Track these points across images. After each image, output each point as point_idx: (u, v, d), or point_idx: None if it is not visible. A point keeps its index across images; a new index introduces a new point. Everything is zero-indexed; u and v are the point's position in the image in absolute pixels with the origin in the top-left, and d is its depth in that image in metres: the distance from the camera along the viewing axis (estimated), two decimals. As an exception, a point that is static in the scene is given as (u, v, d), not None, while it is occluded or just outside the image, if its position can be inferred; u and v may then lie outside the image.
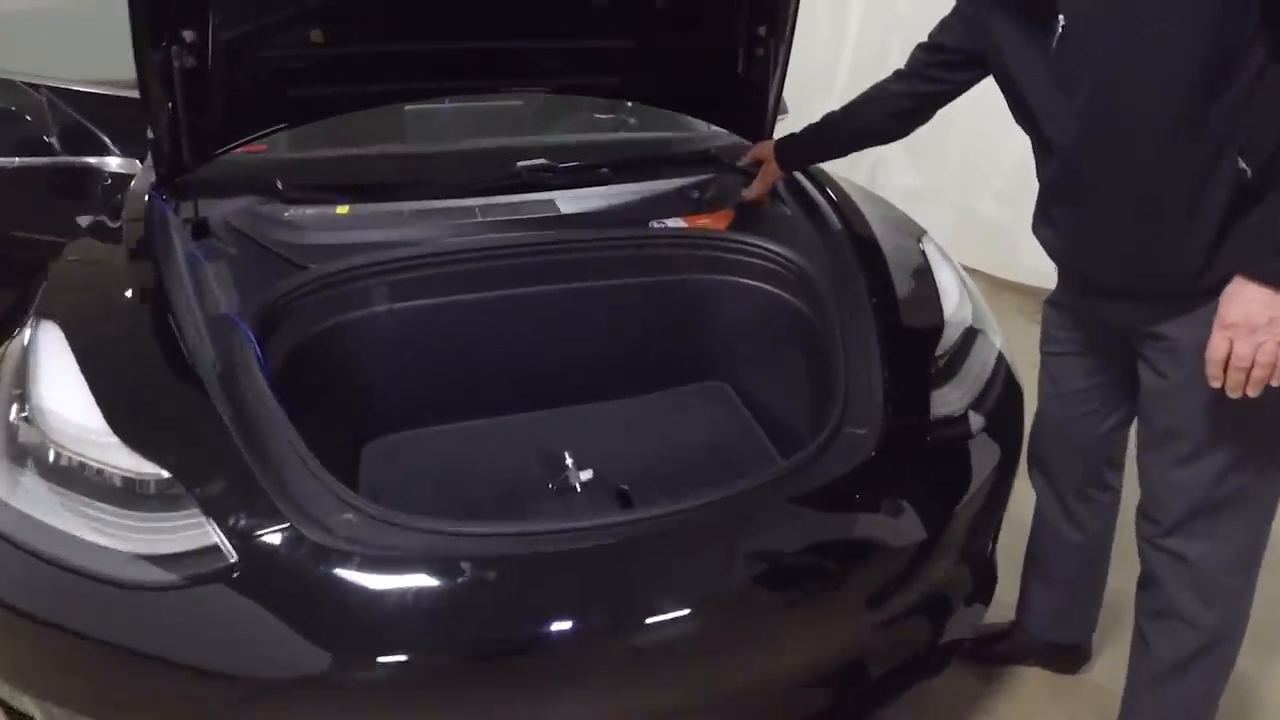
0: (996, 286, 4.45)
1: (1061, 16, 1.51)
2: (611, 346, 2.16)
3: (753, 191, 2.27)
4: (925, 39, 1.91)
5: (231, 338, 1.64)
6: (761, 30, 2.27)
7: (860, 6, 4.93)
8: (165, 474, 1.36)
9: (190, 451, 1.41)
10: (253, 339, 1.64)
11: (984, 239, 4.52)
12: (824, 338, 1.90)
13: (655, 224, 2.19)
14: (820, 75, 5.00)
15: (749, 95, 2.39)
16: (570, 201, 2.23)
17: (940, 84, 1.89)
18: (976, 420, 1.77)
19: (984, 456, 1.75)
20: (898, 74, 1.96)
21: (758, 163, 2.30)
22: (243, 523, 1.33)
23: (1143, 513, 1.78)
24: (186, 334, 1.61)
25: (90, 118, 2.74)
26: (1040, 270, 4.30)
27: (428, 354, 2.01)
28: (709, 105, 2.51)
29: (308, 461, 1.42)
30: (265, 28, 2.06)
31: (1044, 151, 1.68)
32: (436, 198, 2.18)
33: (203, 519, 1.33)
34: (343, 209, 2.10)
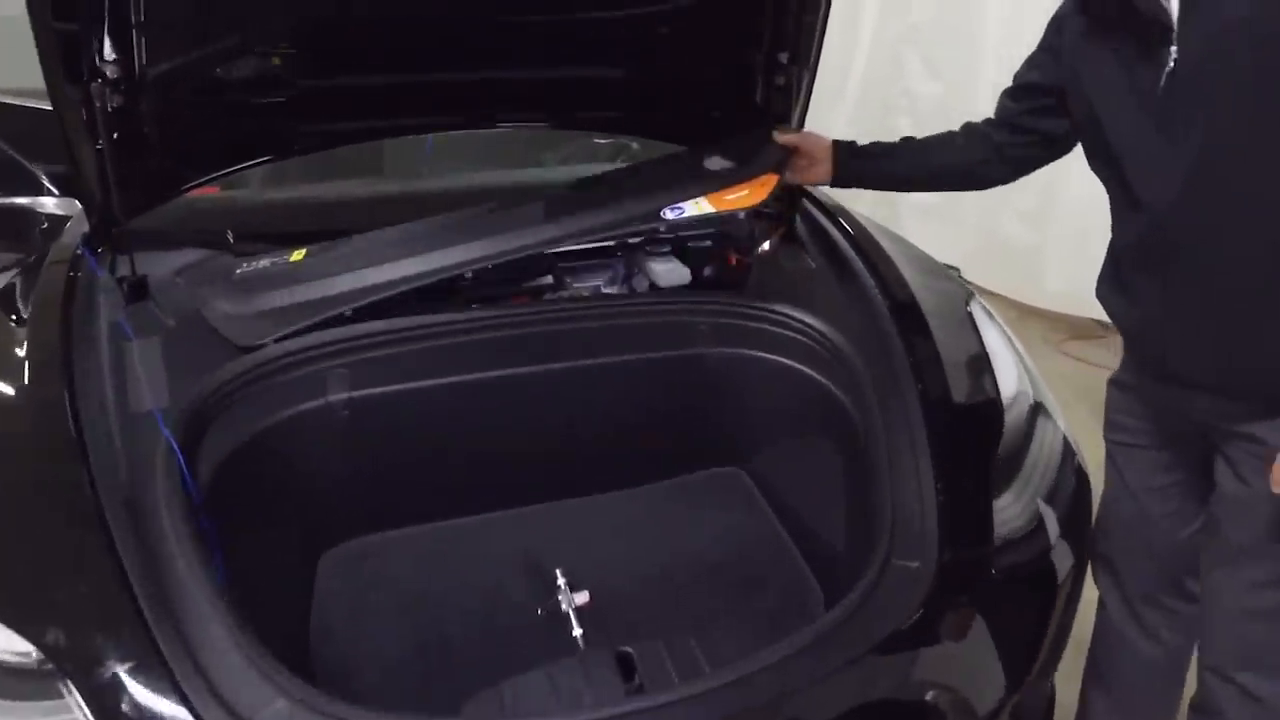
0: (1021, 313, 4.20)
1: (1175, 48, 1.26)
2: (610, 430, 1.88)
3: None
4: (1010, 83, 1.63)
5: (152, 446, 1.35)
6: (783, 57, 1.98)
7: (874, 9, 4.69)
8: (37, 654, 1.07)
9: (74, 620, 1.12)
10: (177, 448, 1.35)
11: (1006, 262, 4.29)
12: (860, 429, 1.62)
13: (671, 211, 1.78)
14: (830, 80, 4.73)
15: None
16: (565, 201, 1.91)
17: (1035, 134, 1.60)
18: (1046, 534, 1.50)
19: (1057, 576, 1.49)
20: (990, 122, 1.68)
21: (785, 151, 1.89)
22: None
23: (1204, 634, 1.54)
24: (92, 443, 1.32)
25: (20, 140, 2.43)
26: (1068, 296, 4.10)
27: (394, 447, 1.73)
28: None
29: (231, 628, 1.13)
30: (205, 60, 1.78)
31: (1128, 207, 1.42)
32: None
33: (81, 716, 1.04)
34: (297, 255, 1.81)
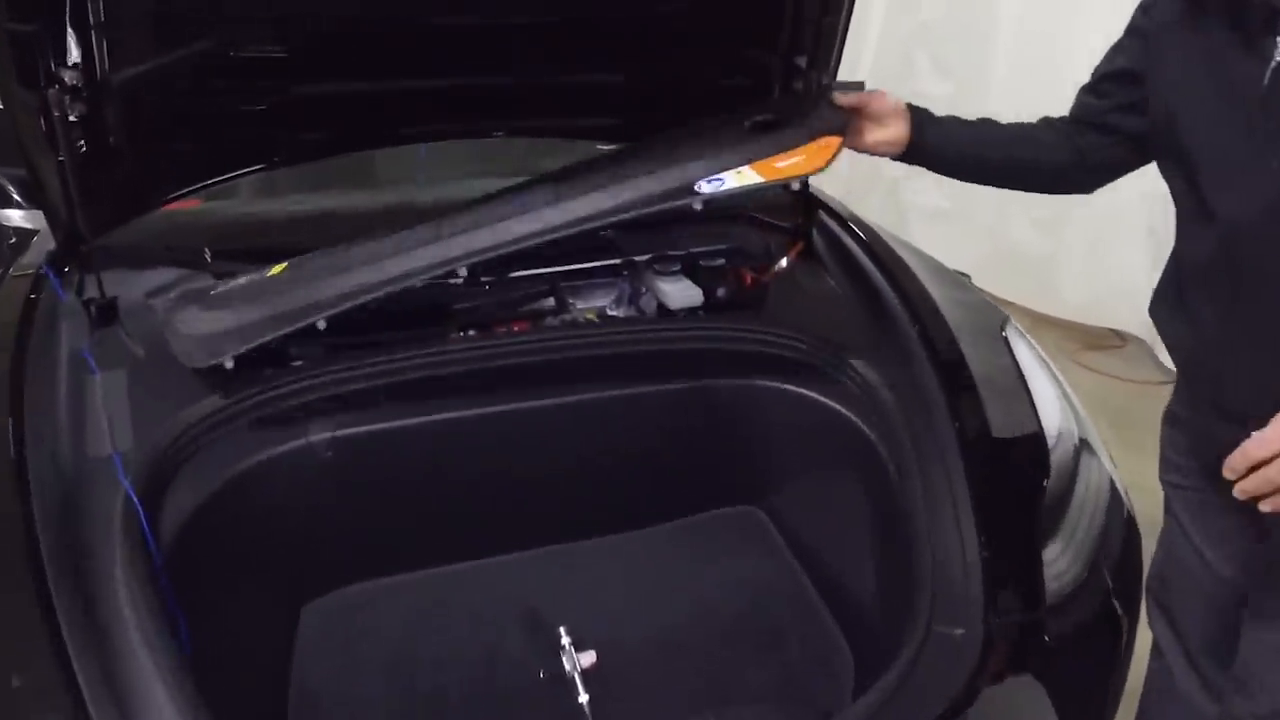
0: (1033, 322, 4.07)
1: None
2: (616, 467, 1.74)
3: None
4: (1089, 79, 1.45)
5: (109, 497, 1.21)
6: (801, 62, 1.84)
7: (882, 6, 4.57)
8: None
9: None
10: (137, 501, 1.21)
11: (1018, 269, 4.19)
12: (890, 468, 1.48)
13: (707, 183, 1.48)
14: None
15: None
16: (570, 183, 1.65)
17: (1120, 135, 1.42)
18: (1099, 589, 1.37)
19: (1110, 639, 1.37)
20: (1069, 121, 1.50)
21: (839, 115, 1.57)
22: None
23: (1235, 680, 1.41)
24: (37, 493, 1.18)
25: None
26: (1083, 305, 3.98)
27: (382, 489, 1.60)
28: None
29: (189, 714, 0.99)
30: (178, 64, 1.64)
31: (1199, 217, 1.28)
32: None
33: None
34: (277, 269, 1.66)
